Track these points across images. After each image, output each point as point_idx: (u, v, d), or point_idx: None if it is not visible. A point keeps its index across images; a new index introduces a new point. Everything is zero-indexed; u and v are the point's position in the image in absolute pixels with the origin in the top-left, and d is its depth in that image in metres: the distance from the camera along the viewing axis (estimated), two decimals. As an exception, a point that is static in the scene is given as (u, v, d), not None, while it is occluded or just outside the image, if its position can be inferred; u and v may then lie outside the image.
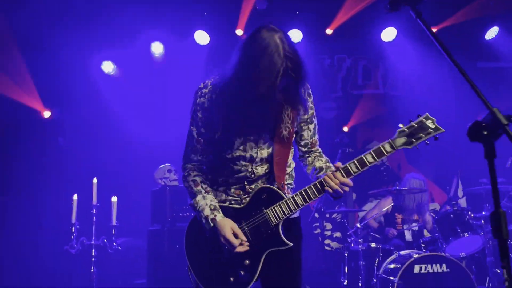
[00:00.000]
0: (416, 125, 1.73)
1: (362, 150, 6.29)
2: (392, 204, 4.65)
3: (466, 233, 3.92)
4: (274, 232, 1.76)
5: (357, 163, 1.72)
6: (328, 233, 5.92)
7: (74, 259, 3.13)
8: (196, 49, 5.44)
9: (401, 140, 1.74)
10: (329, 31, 5.76)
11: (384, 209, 4.71)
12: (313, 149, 1.95)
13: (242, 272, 1.76)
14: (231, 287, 1.76)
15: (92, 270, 2.92)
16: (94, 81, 5.31)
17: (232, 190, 1.85)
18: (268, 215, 1.76)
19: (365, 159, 1.72)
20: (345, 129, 5.98)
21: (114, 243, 2.96)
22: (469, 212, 3.99)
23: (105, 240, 2.97)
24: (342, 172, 1.72)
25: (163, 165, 3.65)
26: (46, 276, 3.96)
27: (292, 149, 1.93)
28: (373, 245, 4.34)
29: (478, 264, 4.13)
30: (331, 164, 1.88)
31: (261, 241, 1.76)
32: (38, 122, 5.13)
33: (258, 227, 1.76)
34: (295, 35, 5.72)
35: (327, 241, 5.88)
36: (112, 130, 5.04)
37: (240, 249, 1.73)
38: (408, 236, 4.56)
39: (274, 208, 1.75)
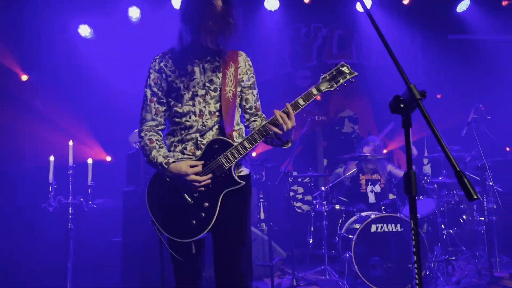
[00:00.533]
0: (335, 72, 2.07)
1: (335, 117, 6.54)
2: (357, 167, 4.94)
3: (421, 197, 4.25)
4: (228, 175, 2.00)
5: (291, 106, 1.98)
6: (300, 196, 6.23)
7: (51, 216, 3.31)
8: (173, 15, 5.49)
9: (324, 85, 2.06)
10: (306, 0, 5.86)
11: (349, 172, 5.00)
12: (258, 113, 2.22)
13: (203, 214, 1.98)
14: (193, 229, 1.98)
15: (69, 227, 3.13)
16: (72, 45, 5.33)
17: (188, 148, 2.07)
18: (221, 160, 2.00)
19: (297, 102, 2.00)
20: (318, 97, 6.16)
21: (90, 202, 3.15)
22: (425, 177, 4.30)
23: (82, 199, 3.16)
24: (283, 111, 1.97)
25: (137, 130, 3.80)
26: (25, 231, 4.16)
27: (239, 110, 2.18)
28: (337, 207, 4.65)
29: (432, 224, 4.47)
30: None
31: (217, 184, 2.00)
32: (15, 84, 5.17)
33: (213, 172, 2.00)
34: (272, 3, 5.80)
35: (298, 204, 6.21)
36: (89, 94, 5.12)
37: (199, 178, 1.96)
38: (372, 198, 4.87)
39: (226, 154, 2.00)
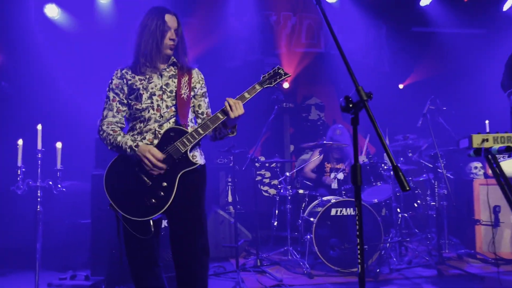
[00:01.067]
0: (272, 73, 2.38)
1: (302, 105, 6.73)
2: (322, 154, 5.17)
3: (379, 182, 4.52)
4: (184, 157, 2.20)
5: (239, 97, 2.25)
6: (267, 180, 6.43)
7: (20, 199, 3.34)
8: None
9: (265, 82, 2.35)
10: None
11: (314, 159, 5.23)
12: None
13: (161, 193, 2.16)
14: (153, 207, 2.14)
15: (38, 209, 3.19)
16: (39, 25, 5.24)
17: (147, 138, 2.24)
18: (178, 145, 2.19)
19: (243, 95, 2.27)
20: (286, 85, 6.33)
21: (59, 185, 3.21)
22: (382, 165, 4.57)
23: (50, 183, 3.21)
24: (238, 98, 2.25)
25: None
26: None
27: (192, 114, 2.41)
28: (300, 191, 4.88)
29: (388, 209, 4.77)
30: None
31: (174, 166, 2.19)
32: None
33: (170, 155, 2.18)
34: (243, -11, 5.87)
35: (265, 188, 6.41)
36: (57, 77, 5.09)
37: (160, 164, 2.14)
38: (334, 185, 5.11)
39: (182, 139, 2.20)
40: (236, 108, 2.18)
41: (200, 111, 2.42)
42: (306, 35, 6.55)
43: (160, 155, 2.16)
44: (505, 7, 6.23)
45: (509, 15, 6.26)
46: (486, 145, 2.02)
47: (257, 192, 5.55)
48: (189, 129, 2.27)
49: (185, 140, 2.20)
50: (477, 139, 2.03)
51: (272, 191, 6.36)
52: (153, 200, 2.15)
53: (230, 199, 5.73)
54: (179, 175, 2.18)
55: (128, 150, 2.17)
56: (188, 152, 2.21)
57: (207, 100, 2.47)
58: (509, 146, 1.90)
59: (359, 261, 1.68)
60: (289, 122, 6.58)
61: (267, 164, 6.42)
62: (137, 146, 2.16)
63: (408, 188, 1.51)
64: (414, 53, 6.66)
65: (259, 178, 6.38)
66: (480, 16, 6.49)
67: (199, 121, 2.41)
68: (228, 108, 2.18)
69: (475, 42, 6.58)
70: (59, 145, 3.29)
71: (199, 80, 2.42)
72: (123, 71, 2.34)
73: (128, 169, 2.19)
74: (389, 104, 6.29)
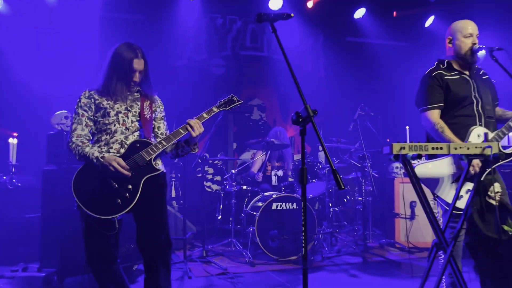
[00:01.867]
0: (227, 100, 2.77)
1: (245, 105, 7.08)
2: (264, 153, 5.57)
3: (314, 180, 5.00)
4: (148, 164, 2.48)
5: (198, 118, 2.56)
6: (210, 176, 6.71)
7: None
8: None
9: (221, 106, 2.73)
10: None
11: (258, 157, 5.61)
12: None
13: (127, 195, 2.41)
14: (119, 207, 2.39)
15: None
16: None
17: (114, 147, 2.48)
18: (143, 154, 2.46)
19: (202, 115, 2.59)
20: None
21: (14, 180, 3.27)
22: (318, 164, 5.06)
23: (5, 177, 3.25)
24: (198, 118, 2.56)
25: (59, 112, 3.92)
26: None
27: (152, 134, 2.67)
28: (244, 187, 5.23)
29: (321, 203, 5.28)
30: None
31: (139, 171, 2.45)
32: None
33: (136, 163, 2.45)
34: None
35: (208, 184, 6.69)
36: (8, 73, 4.99)
37: (125, 172, 2.38)
38: (274, 181, 5.54)
39: (147, 149, 2.47)
40: (197, 128, 2.49)
41: (160, 132, 2.70)
42: (250, 39, 6.90)
43: (124, 164, 2.40)
44: (427, 24, 7.00)
45: (431, 30, 7.04)
46: (403, 152, 2.47)
47: (202, 188, 5.82)
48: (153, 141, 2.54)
49: (149, 150, 2.47)
50: (396, 147, 2.49)
51: (215, 187, 6.65)
52: (119, 201, 2.39)
53: (173, 194, 5.96)
54: (143, 180, 2.45)
55: (95, 160, 2.39)
56: (152, 160, 2.48)
57: (165, 123, 2.76)
58: (420, 154, 2.38)
59: (303, 245, 2.05)
60: (232, 121, 6.90)
61: (210, 161, 6.69)
62: (103, 157, 2.39)
63: (343, 187, 1.89)
64: (347, 61, 7.27)
65: (200, 175, 6.64)
66: (406, 30, 7.24)
67: (158, 140, 2.66)
68: (190, 128, 2.49)
69: (400, 54, 7.32)
70: (13, 140, 3.34)
71: (159, 105, 2.72)
72: (91, 92, 2.55)
73: (96, 173, 2.41)
74: (324, 108, 6.85)
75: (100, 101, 2.52)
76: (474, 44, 2.97)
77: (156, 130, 2.70)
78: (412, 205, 5.09)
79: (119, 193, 2.41)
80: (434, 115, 2.91)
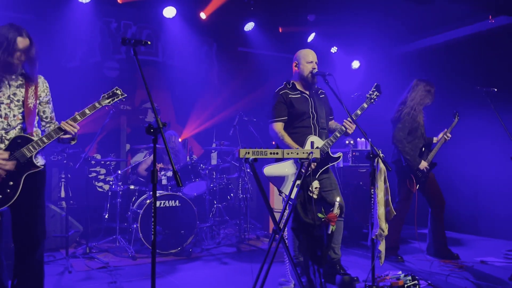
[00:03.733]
0: (111, 93, 2.94)
1: (139, 108, 7.32)
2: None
3: (197, 179, 5.47)
4: (29, 161, 2.69)
5: (79, 114, 2.81)
6: (102, 177, 6.84)
7: None
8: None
9: (105, 101, 2.91)
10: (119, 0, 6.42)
11: (146, 159, 5.94)
12: (52, 121, 2.95)
13: (8, 190, 2.61)
14: (1, 202, 2.58)
15: None
16: None
17: None
18: (24, 151, 2.66)
19: (85, 111, 2.82)
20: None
21: None
22: (201, 165, 5.54)
23: None
24: (72, 119, 2.79)
25: None
26: None
27: (37, 118, 2.86)
28: (131, 187, 5.53)
29: (205, 200, 5.77)
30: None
31: (20, 168, 2.65)
32: None
33: (17, 159, 2.64)
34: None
35: (100, 184, 6.82)
36: None
37: (4, 163, 2.57)
38: (164, 181, 5.89)
39: (28, 146, 2.67)
40: (73, 128, 2.75)
41: (44, 116, 2.88)
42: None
43: (5, 155, 2.59)
44: (309, 39, 7.85)
45: (312, 44, 7.90)
46: (247, 156, 3.04)
47: (89, 188, 5.97)
48: (34, 137, 2.74)
49: (30, 147, 2.67)
50: (242, 152, 3.04)
51: (106, 187, 6.80)
52: (1, 196, 2.59)
53: (63, 194, 6.03)
54: (24, 176, 2.66)
55: None
56: (33, 157, 2.70)
57: (51, 106, 2.92)
58: (256, 158, 2.95)
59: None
60: (126, 123, 7.10)
61: (102, 162, 6.83)
62: None
63: (180, 185, 2.35)
64: (239, 69, 7.88)
65: (93, 174, 6.76)
66: (290, 44, 8.03)
67: (43, 123, 2.87)
68: (66, 128, 2.73)
69: (286, 64, 8.11)
70: None
71: (44, 89, 2.85)
72: None
73: None
74: (215, 112, 7.39)
75: None
76: (314, 69, 3.66)
77: (41, 114, 2.84)
78: (283, 199, 5.79)
79: (0, 189, 2.59)
80: (278, 126, 3.55)
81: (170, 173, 5.90)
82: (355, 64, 8.55)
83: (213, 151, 7.64)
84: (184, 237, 4.94)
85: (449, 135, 4.74)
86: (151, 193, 5.22)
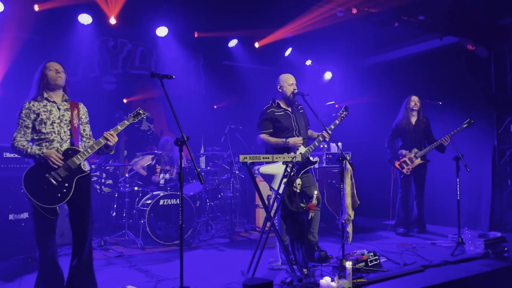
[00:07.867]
0: (135, 113, 3.72)
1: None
2: (155, 159, 6.68)
3: (194, 180, 6.29)
4: (78, 167, 3.45)
5: (114, 130, 3.57)
6: (102, 180, 7.56)
7: None
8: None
9: (131, 119, 3.68)
10: (112, 21, 7.14)
11: (147, 163, 6.71)
12: (91, 138, 3.74)
13: (64, 190, 3.37)
14: (58, 199, 3.33)
15: None
16: None
17: None
18: (74, 160, 3.42)
19: (117, 127, 3.58)
20: (125, 100, 7.59)
21: None
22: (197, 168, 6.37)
23: None
24: (110, 133, 3.56)
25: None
26: None
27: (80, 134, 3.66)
28: (136, 188, 6.30)
29: (200, 199, 6.59)
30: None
31: (72, 173, 3.41)
32: None
33: (69, 166, 3.40)
34: (85, 19, 6.85)
35: (100, 186, 7.53)
36: None
37: (61, 162, 3.34)
38: (162, 182, 6.68)
39: (77, 155, 3.44)
40: (112, 138, 3.52)
41: (85, 133, 3.67)
42: (139, 59, 7.92)
43: (61, 157, 3.36)
44: (286, 53, 8.76)
45: (289, 59, 8.81)
46: (245, 160, 3.91)
47: (92, 190, 6.69)
48: (81, 148, 3.53)
49: (79, 156, 3.44)
50: (241, 157, 3.91)
51: (106, 189, 7.52)
52: (59, 195, 3.36)
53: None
54: (75, 179, 3.44)
55: (37, 156, 3.32)
56: (82, 164, 3.49)
57: (89, 126, 3.71)
58: (253, 162, 3.83)
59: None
60: (124, 131, 7.80)
61: (102, 167, 7.54)
62: (43, 153, 3.32)
63: (202, 182, 3.19)
64: (224, 81, 8.72)
65: (95, 178, 7.46)
66: (270, 58, 8.93)
67: (84, 139, 3.64)
68: (108, 137, 3.49)
69: (265, 76, 9.00)
70: None
71: (84, 112, 3.69)
72: (31, 104, 3.42)
73: (40, 174, 3.32)
74: (203, 120, 8.21)
75: (38, 111, 3.39)
76: (295, 89, 4.57)
77: (82, 132, 3.62)
78: (268, 198, 6.67)
79: (58, 189, 3.34)
80: (264, 136, 4.46)
81: (167, 176, 6.69)
82: (328, 75, 9.52)
83: (201, 156, 8.48)
84: (185, 230, 5.75)
85: (448, 139, 5.73)
86: (153, 193, 6.01)
